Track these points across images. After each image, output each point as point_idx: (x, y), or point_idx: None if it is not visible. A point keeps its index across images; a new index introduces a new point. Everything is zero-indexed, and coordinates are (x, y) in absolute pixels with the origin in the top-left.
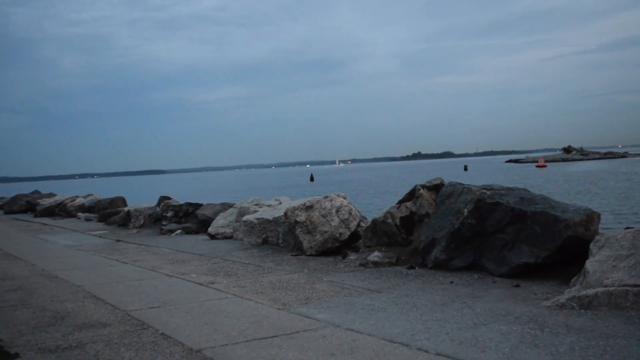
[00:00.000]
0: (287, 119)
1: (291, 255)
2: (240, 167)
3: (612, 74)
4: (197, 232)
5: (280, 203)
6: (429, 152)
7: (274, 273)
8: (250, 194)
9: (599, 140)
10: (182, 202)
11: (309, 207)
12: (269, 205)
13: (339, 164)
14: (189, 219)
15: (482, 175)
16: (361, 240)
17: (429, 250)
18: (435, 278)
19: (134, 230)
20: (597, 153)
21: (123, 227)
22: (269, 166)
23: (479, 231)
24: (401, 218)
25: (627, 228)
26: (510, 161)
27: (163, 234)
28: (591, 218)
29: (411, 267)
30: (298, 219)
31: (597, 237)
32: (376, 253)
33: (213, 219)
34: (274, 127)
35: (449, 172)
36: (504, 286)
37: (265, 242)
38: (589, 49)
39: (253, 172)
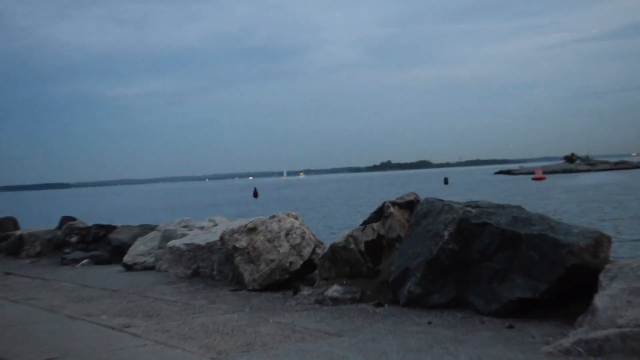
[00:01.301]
0: (224, 120)
1: (229, 290)
2: (165, 180)
3: (624, 66)
4: (109, 262)
5: (216, 225)
6: (401, 162)
7: (207, 313)
8: (177, 213)
9: (608, 148)
10: (90, 224)
11: (251, 230)
12: (201, 228)
13: (287, 176)
14: (100, 245)
15: (466, 190)
16: (317, 271)
17: (402, 282)
18: (409, 318)
19: (28, 260)
20: (607, 162)
21: (14, 255)
22: (201, 178)
23: (463, 259)
24: (367, 243)
25: None
26: (500, 172)
27: (66, 264)
28: (600, 242)
29: (379, 304)
30: (238, 245)
31: (607, 266)
32: (336, 287)
33: (130, 245)
34: (208, 130)
35: (425, 186)
36: (495, 327)
37: (196, 274)
38: (593, 36)
39: (182, 185)
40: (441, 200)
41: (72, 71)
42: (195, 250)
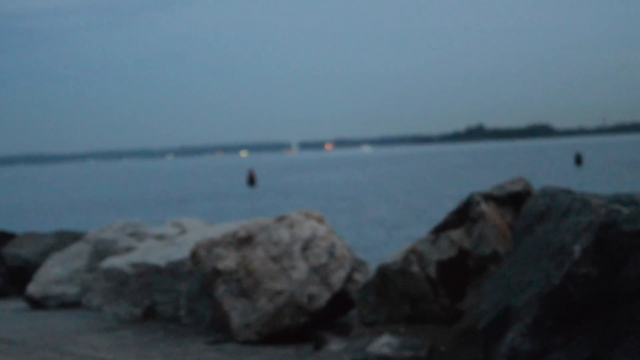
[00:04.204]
0: (198, 55)
1: (206, 342)
2: (98, 156)
3: None
4: (3, 294)
5: (184, 232)
6: (502, 127)
7: None
8: (119, 212)
9: None
10: None
11: (244, 241)
12: (160, 237)
13: (300, 149)
14: None
15: (612, 176)
16: (355, 311)
17: (499, 332)
18: None
19: None
20: None
21: None
22: (162, 153)
23: (608, 293)
24: (440, 264)
25: None
26: None
27: None
28: None
29: None
30: (221, 266)
31: None
32: (386, 338)
33: (39, 266)
34: (172, 72)
35: (543, 168)
36: None
37: (150, 314)
38: None
39: (128, 165)
40: (569, 191)
41: None
42: (149, 275)
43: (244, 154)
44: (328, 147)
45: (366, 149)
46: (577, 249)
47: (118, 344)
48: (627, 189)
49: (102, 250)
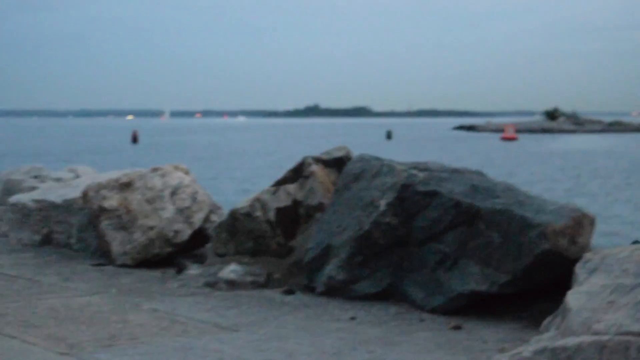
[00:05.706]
0: (98, 33)
1: (91, 264)
2: (8, 114)
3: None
4: None
5: (78, 177)
6: (333, 107)
7: (58, 293)
8: (25, 159)
9: (603, 103)
10: None
11: (125, 186)
12: (58, 180)
13: (171, 117)
14: None
15: (414, 148)
16: (210, 245)
17: (320, 264)
18: (327, 310)
19: None
20: (599, 122)
21: None
22: (63, 114)
23: (403, 238)
24: (278, 210)
25: (636, 242)
26: (461, 128)
27: None
28: (580, 224)
29: (289, 292)
30: (106, 205)
31: (587, 255)
32: (233, 267)
33: None
34: (79, 45)
35: (362, 140)
36: (437, 327)
37: (47, 240)
38: None
39: (35, 122)
40: (379, 158)
41: None
42: (47, 209)
43: (130, 117)
44: (198, 116)
45: (241, 119)
46: (382, 203)
47: (20, 263)
48: (425, 158)
49: (10, 188)
